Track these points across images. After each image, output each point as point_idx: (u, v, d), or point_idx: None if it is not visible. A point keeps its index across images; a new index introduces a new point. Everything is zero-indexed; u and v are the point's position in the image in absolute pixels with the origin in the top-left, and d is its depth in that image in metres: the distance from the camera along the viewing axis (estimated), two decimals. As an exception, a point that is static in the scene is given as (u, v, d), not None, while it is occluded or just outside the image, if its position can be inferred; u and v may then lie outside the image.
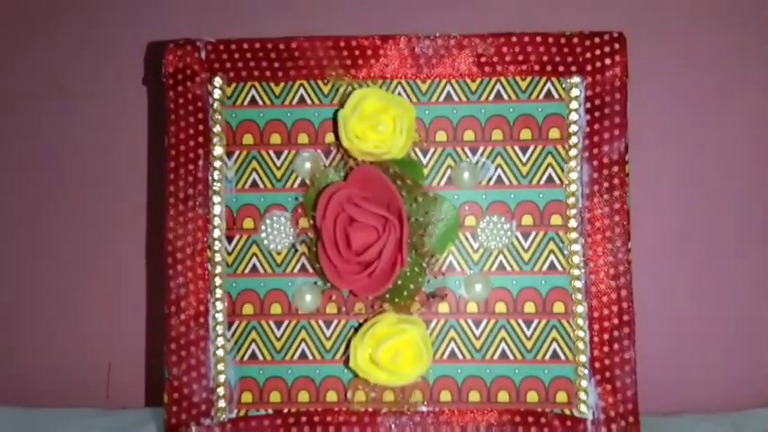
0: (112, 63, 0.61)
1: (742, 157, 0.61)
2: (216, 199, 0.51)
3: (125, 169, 0.61)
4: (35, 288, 0.64)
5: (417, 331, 0.47)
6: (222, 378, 0.50)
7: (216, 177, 0.51)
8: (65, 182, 0.63)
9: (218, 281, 0.51)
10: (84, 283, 0.63)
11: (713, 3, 0.60)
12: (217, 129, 0.52)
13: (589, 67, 0.51)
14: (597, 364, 0.49)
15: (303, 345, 0.50)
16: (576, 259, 0.50)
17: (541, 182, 0.51)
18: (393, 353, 0.46)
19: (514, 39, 0.51)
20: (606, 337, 0.49)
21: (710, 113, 0.60)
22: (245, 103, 0.52)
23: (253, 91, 0.52)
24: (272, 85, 0.52)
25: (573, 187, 0.51)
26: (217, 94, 0.52)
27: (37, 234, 0.63)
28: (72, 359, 0.64)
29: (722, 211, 0.61)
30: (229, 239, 0.51)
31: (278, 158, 0.52)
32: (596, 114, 0.51)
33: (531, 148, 0.51)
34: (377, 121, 0.47)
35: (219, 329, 0.50)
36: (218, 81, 0.52)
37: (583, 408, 0.49)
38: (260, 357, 0.50)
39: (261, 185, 0.51)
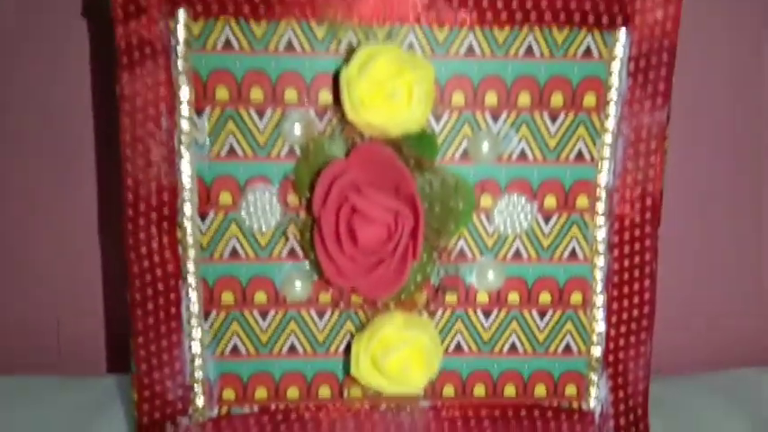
0: None
1: None
2: (184, 168, 0.42)
3: (68, 124, 0.50)
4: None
5: (427, 335, 0.41)
6: (200, 374, 0.44)
7: (184, 141, 0.42)
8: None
9: (190, 266, 0.43)
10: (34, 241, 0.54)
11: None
12: (182, 79, 0.41)
13: (637, 20, 0.43)
14: (611, 357, 0.46)
15: (292, 337, 0.44)
16: (601, 247, 0.45)
17: (570, 157, 0.44)
18: (401, 363, 0.40)
19: (555, -21, 0.41)
20: (623, 329, 0.46)
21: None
22: (218, 46, 0.41)
23: (227, 31, 0.41)
24: (251, 23, 0.41)
25: (605, 165, 0.44)
26: (181, 32, 0.41)
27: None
28: (21, 321, 0.56)
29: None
30: (202, 216, 0.43)
31: (260, 119, 0.42)
32: (639, 79, 0.43)
33: (562, 116, 0.43)
34: (390, 89, 0.38)
35: (195, 322, 0.43)
36: (181, 16, 0.41)
37: (592, 401, 0.46)
38: (243, 351, 0.44)
39: (240, 153, 0.42)
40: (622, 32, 0.43)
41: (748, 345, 0.61)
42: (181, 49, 0.41)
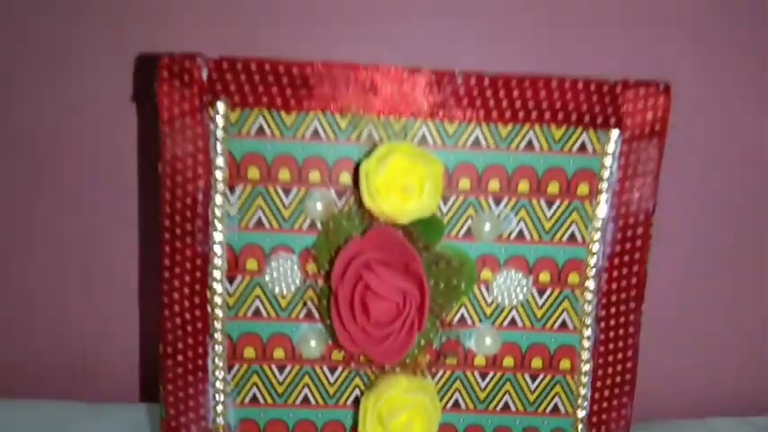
0: (98, 75, 0.52)
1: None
2: (217, 237, 0.47)
3: (116, 189, 0.55)
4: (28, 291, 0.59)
5: (428, 397, 0.46)
6: (221, 420, 0.49)
7: (217, 214, 0.47)
8: (48, 197, 0.57)
9: (217, 324, 0.48)
10: (75, 282, 0.59)
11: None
12: (219, 160, 0.46)
13: (629, 121, 0.47)
14: (594, 419, 0.50)
15: (306, 390, 0.49)
16: (588, 319, 0.50)
17: (564, 239, 0.49)
18: (404, 423, 0.45)
19: (554, 84, 0.46)
20: (607, 393, 0.50)
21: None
22: (252, 132, 0.46)
23: (260, 119, 0.46)
24: (282, 114, 0.46)
25: (595, 247, 0.49)
26: (219, 120, 0.46)
27: (32, 242, 0.58)
28: (65, 355, 0.61)
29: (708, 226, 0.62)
30: (230, 280, 0.48)
31: (286, 196, 0.47)
32: (629, 172, 0.48)
33: (558, 202, 0.48)
34: (404, 183, 0.43)
35: (219, 374, 0.48)
36: (220, 105, 0.46)
37: (576, 458, 0.51)
38: (261, 401, 0.49)
39: (267, 225, 0.47)
40: (615, 132, 0.47)
41: (723, 395, 0.66)
42: (219, 134, 0.46)
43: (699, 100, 0.58)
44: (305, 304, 0.48)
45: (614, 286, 0.49)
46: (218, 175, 0.46)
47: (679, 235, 0.62)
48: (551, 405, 0.50)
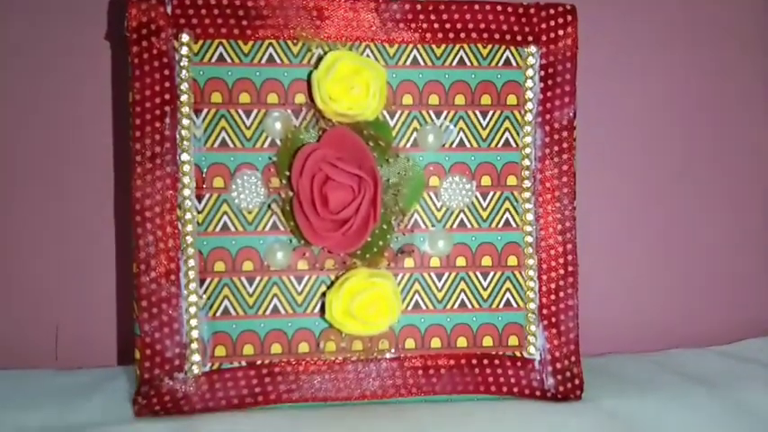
0: (73, 18, 0.58)
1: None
2: (184, 157, 0.51)
3: (89, 128, 0.59)
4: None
5: (389, 284, 0.50)
6: (195, 333, 0.51)
7: (184, 135, 0.51)
8: (28, 142, 0.60)
9: (188, 239, 0.51)
10: (52, 246, 0.62)
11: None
12: (184, 86, 0.51)
13: (544, 37, 0.55)
14: (545, 311, 0.55)
15: (275, 300, 0.52)
16: (529, 217, 0.55)
17: (499, 145, 0.55)
18: (367, 305, 0.49)
19: (476, 7, 0.53)
20: (553, 286, 0.55)
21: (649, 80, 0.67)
22: (213, 60, 0.52)
23: (221, 48, 0.52)
24: (240, 43, 0.52)
25: (527, 150, 0.55)
26: (184, 50, 0.51)
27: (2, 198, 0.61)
28: (40, 322, 0.62)
29: (657, 173, 0.69)
30: (199, 198, 0.52)
31: (247, 118, 0.52)
32: (549, 82, 0.55)
33: (491, 113, 0.54)
34: (351, 84, 0.49)
35: (192, 287, 0.51)
36: (184, 37, 0.51)
37: (531, 349, 0.54)
38: (232, 313, 0.52)
39: (230, 145, 0.52)
40: (533, 47, 0.55)
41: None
42: (184, 62, 0.51)
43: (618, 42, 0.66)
44: (270, 217, 0.52)
45: (548, 185, 0.55)
46: (184, 99, 0.51)
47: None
48: (504, 300, 0.55)
